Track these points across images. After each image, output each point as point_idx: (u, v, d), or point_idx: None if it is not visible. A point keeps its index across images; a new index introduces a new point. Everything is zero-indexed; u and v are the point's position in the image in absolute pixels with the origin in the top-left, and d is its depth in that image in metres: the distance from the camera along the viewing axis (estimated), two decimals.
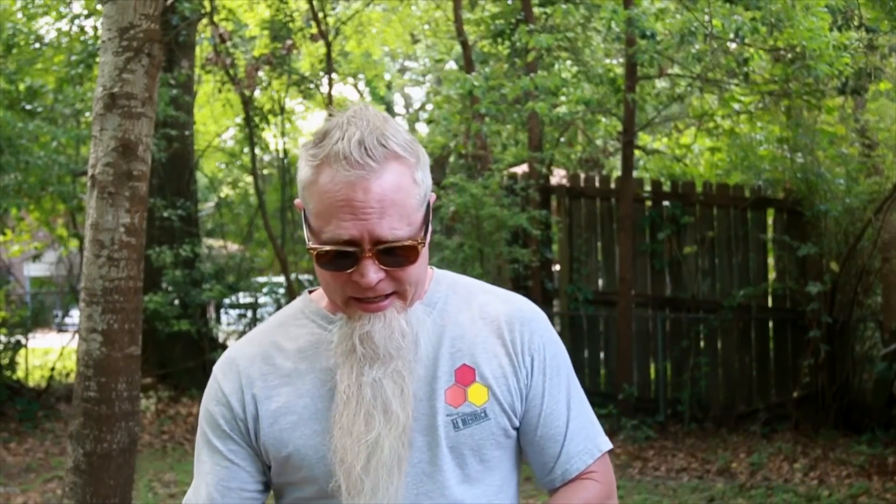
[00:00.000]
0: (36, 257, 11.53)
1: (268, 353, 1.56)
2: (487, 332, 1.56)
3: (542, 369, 1.57)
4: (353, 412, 1.44)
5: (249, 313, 11.35)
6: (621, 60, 9.44)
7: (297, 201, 1.51)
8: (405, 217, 1.42)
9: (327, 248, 1.42)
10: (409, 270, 1.45)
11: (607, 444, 1.63)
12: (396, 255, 1.42)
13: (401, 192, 1.41)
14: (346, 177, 1.39)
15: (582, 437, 1.60)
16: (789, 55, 7.75)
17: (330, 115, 1.49)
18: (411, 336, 1.48)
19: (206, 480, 1.55)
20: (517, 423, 1.56)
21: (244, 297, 11.24)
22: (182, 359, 10.37)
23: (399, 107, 21.87)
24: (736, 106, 8.82)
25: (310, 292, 1.63)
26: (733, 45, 7.97)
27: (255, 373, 1.54)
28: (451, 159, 12.90)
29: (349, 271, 1.42)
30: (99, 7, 9.10)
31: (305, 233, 1.47)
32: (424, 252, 1.49)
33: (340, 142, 1.40)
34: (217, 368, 1.60)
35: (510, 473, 1.58)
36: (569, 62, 10.67)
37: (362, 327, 1.45)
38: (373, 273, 1.41)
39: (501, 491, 1.56)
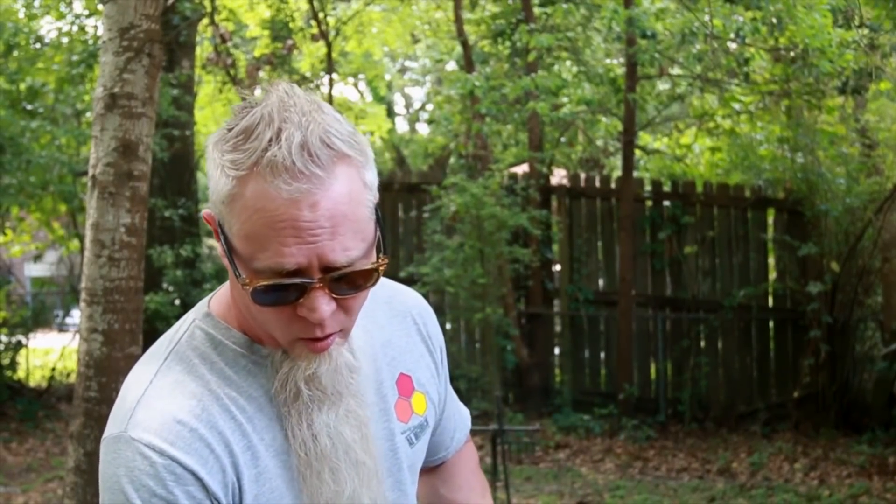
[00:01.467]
0: (37, 257, 11.53)
1: (224, 405, 1.18)
2: (407, 330, 1.40)
3: (444, 357, 1.47)
4: (318, 470, 1.19)
5: None
6: (622, 60, 9.43)
7: (205, 213, 1.17)
8: (359, 232, 1.12)
9: (267, 283, 1.10)
10: (360, 297, 1.17)
11: (466, 408, 1.61)
12: (352, 282, 1.13)
13: (353, 203, 1.11)
14: (289, 192, 1.06)
15: (458, 407, 1.55)
16: (791, 53, 7.74)
17: (245, 104, 1.14)
18: (359, 369, 1.24)
19: None
20: None
21: None
22: None
23: (399, 107, 21.87)
24: (736, 106, 8.82)
25: (208, 308, 1.29)
26: (734, 45, 7.97)
27: (224, 434, 1.16)
28: (452, 159, 12.91)
29: (293, 304, 1.12)
30: (100, 7, 9.10)
31: (225, 256, 1.15)
32: None
33: (275, 146, 1.07)
34: (153, 437, 1.13)
35: None
36: (569, 62, 10.66)
37: (307, 369, 1.18)
38: (325, 306, 1.11)
39: None
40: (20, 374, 10.32)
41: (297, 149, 1.07)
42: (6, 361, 9.88)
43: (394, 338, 1.38)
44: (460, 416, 1.56)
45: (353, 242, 1.11)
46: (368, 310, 1.32)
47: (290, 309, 1.13)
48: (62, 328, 13.07)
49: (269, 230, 1.08)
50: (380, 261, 1.16)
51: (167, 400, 1.16)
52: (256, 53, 10.99)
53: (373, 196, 1.17)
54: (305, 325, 1.14)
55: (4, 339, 10.00)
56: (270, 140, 1.08)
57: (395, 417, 1.33)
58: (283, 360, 1.20)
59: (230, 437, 1.16)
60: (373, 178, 1.17)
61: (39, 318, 11.57)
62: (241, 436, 1.18)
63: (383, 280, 1.40)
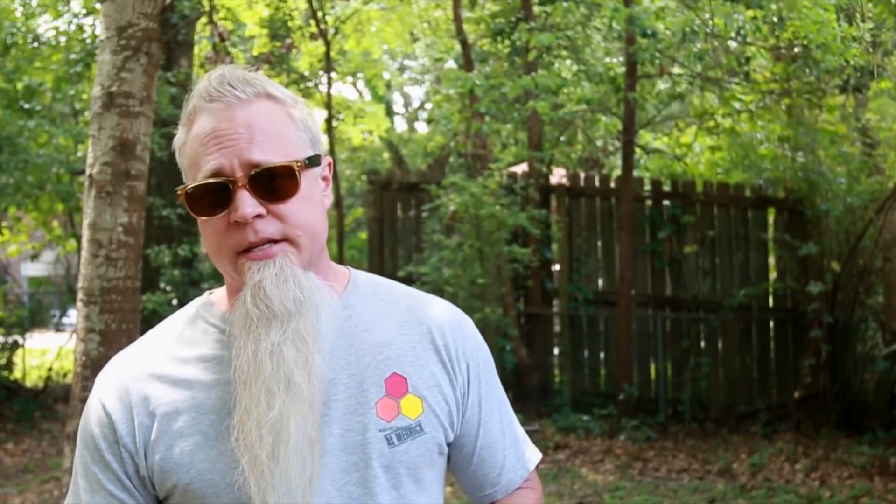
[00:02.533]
0: (34, 257, 11.53)
1: (162, 367, 1.35)
2: (417, 337, 1.41)
3: (478, 375, 1.44)
4: (256, 390, 1.25)
5: None
6: (622, 59, 9.43)
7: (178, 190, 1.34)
8: (280, 149, 1.28)
9: (192, 184, 1.28)
10: (291, 206, 1.28)
11: (538, 454, 1.55)
12: (273, 182, 1.27)
13: (273, 124, 1.30)
14: (209, 110, 1.29)
15: (518, 446, 1.51)
16: (795, 48, 7.71)
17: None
18: (310, 293, 1.29)
19: None
20: (452, 437, 1.42)
21: None
22: None
23: (398, 106, 21.87)
24: (737, 105, 8.82)
25: (209, 293, 1.45)
26: (734, 44, 7.97)
27: (149, 389, 1.33)
28: (451, 159, 12.90)
29: (225, 213, 1.27)
30: (97, 6, 9.09)
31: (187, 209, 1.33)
32: (315, 196, 1.33)
33: (202, 84, 1.32)
34: (99, 383, 1.38)
35: (438, 494, 1.43)
36: (569, 61, 10.66)
37: (251, 277, 1.27)
38: (248, 206, 1.25)
39: None
40: (17, 374, 10.31)
41: (217, 79, 1.31)
42: (2, 362, 9.87)
43: (396, 340, 1.39)
44: (516, 456, 1.51)
45: (272, 153, 1.28)
46: (381, 310, 1.41)
47: (225, 220, 1.28)
48: (59, 328, 13.05)
49: (200, 148, 1.29)
50: (298, 164, 1.29)
51: (130, 356, 1.39)
52: (255, 52, 10.99)
53: (304, 134, 1.34)
54: (240, 235, 1.28)
55: (1, 339, 10.00)
56: (204, 81, 1.33)
57: (374, 413, 1.33)
58: (242, 290, 1.30)
59: (157, 395, 1.33)
60: (303, 118, 1.35)
61: (36, 317, 11.57)
62: (172, 394, 1.32)
63: (414, 290, 1.50)
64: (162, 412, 1.31)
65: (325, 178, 1.38)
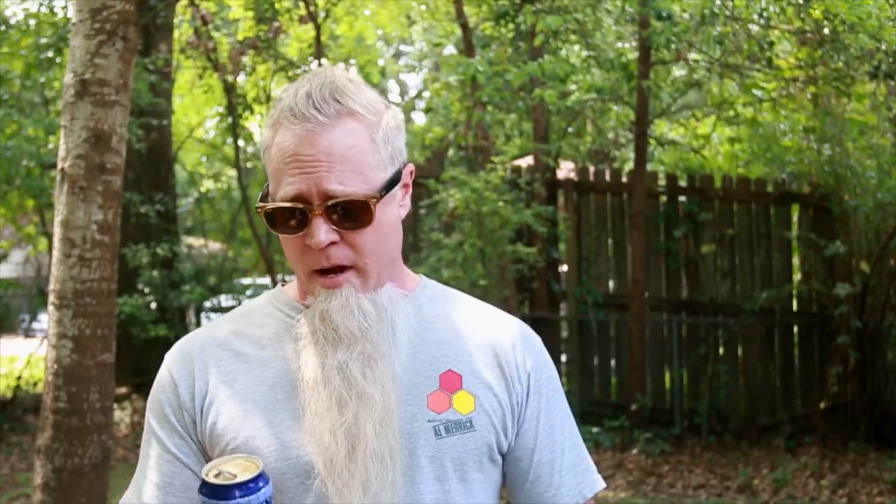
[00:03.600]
0: (2, 257, 11.52)
1: (226, 340, 1.53)
2: (478, 342, 1.52)
3: (539, 389, 1.55)
4: (325, 398, 1.39)
5: None
6: (634, 44, 9.43)
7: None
8: (359, 175, 1.40)
9: (272, 205, 1.42)
10: (364, 235, 1.42)
11: (601, 483, 1.61)
12: (348, 213, 1.40)
13: (354, 150, 1.40)
14: (294, 131, 1.40)
15: (577, 470, 1.58)
16: (826, 29, 7.68)
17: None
18: (377, 317, 1.44)
19: (149, 477, 1.50)
20: (506, 446, 1.51)
21: (227, 300, 11.24)
22: (159, 367, 10.33)
23: (394, 94, 21.87)
24: (758, 93, 8.81)
25: (283, 284, 1.61)
26: (756, 28, 7.96)
27: (211, 358, 1.51)
28: (451, 152, 12.90)
29: (302, 234, 1.41)
30: None
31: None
32: (388, 220, 1.45)
33: (290, 97, 1.43)
34: (169, 354, 1.57)
35: None
36: (578, 46, 10.66)
37: (319, 304, 1.43)
38: (322, 233, 1.39)
39: None
40: None
41: (303, 97, 1.41)
42: None
43: (456, 341, 1.51)
44: (574, 480, 1.57)
45: (351, 181, 1.39)
46: (445, 312, 1.54)
47: (300, 240, 1.41)
48: (29, 334, 13.06)
49: (282, 165, 1.41)
50: (374, 196, 1.41)
51: (198, 331, 1.60)
52: (240, 37, 10.97)
53: (384, 154, 1.44)
54: (315, 257, 1.42)
55: None
56: (290, 94, 1.43)
57: (424, 404, 1.45)
58: (312, 305, 1.45)
59: (216, 363, 1.50)
60: (385, 138, 1.45)
61: (4, 322, 11.57)
62: (230, 364, 1.50)
63: (483, 304, 1.61)
64: (219, 379, 1.48)
65: (405, 186, 1.51)
